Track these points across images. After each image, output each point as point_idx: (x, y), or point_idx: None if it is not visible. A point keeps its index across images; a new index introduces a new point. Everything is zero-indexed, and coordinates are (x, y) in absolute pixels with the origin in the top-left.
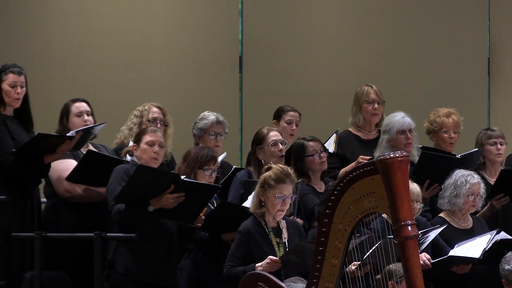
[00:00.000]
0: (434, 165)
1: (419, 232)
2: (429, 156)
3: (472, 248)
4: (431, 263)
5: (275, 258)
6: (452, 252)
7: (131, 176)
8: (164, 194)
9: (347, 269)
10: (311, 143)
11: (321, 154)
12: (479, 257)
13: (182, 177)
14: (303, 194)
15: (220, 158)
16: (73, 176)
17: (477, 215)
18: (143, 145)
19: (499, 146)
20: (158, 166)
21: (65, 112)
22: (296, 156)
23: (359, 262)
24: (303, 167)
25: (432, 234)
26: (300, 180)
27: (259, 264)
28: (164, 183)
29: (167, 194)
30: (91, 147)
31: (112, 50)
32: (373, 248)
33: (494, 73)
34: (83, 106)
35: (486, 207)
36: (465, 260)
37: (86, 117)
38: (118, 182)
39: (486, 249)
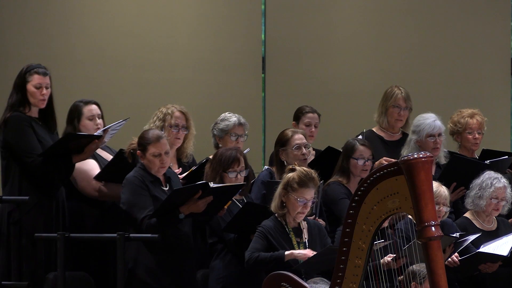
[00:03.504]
0: (462, 169)
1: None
2: (458, 159)
3: (499, 246)
4: (459, 260)
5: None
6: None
7: (166, 199)
8: (193, 200)
9: (381, 260)
10: (361, 148)
11: (366, 162)
12: (507, 255)
13: (210, 183)
14: (339, 198)
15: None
16: (102, 175)
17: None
18: (149, 156)
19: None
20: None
21: (76, 114)
22: (344, 154)
23: (394, 255)
24: (347, 166)
25: (470, 238)
26: (321, 181)
27: (290, 251)
28: (194, 193)
29: (196, 200)
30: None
31: (134, 50)
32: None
33: None
34: (95, 109)
35: None
36: (493, 257)
37: (98, 120)
38: (138, 193)
39: None
